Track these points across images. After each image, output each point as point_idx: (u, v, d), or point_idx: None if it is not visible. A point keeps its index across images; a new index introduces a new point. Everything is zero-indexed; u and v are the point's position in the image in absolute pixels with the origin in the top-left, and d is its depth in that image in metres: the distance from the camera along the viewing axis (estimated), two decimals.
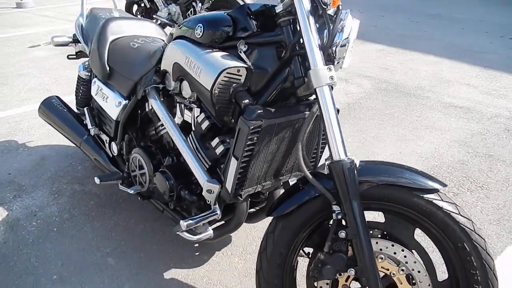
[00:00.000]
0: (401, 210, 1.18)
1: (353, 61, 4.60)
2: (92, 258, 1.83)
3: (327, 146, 1.18)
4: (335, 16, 1.18)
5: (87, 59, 2.37)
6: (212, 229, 1.46)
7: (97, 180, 1.73)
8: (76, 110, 2.23)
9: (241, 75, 1.25)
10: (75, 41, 2.15)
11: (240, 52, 1.25)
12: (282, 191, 1.52)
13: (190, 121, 1.52)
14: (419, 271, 1.17)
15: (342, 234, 1.15)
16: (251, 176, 1.31)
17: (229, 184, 1.28)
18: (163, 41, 1.99)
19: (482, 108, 3.39)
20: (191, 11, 4.93)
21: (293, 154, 1.39)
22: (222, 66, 1.23)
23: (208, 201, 1.41)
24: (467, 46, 5.09)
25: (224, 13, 1.34)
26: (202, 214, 1.38)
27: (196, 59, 1.31)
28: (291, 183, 1.50)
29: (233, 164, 1.25)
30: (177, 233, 1.43)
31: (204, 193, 1.38)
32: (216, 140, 1.39)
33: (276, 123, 1.25)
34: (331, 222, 1.24)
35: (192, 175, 1.52)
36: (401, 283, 1.18)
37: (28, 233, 1.98)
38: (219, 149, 1.38)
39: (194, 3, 4.84)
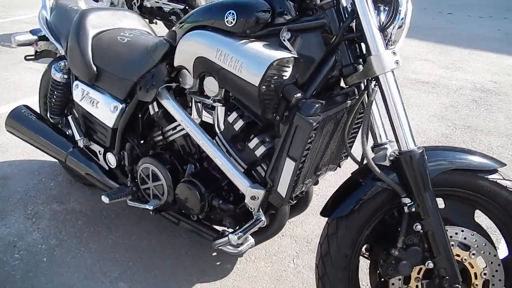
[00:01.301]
0: (463, 194, 1.15)
1: None
2: (101, 286, 1.61)
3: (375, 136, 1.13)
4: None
5: (49, 59, 2.07)
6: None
7: (105, 199, 1.50)
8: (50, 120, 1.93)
9: (288, 67, 1.12)
10: (42, 38, 1.84)
11: (284, 41, 1.12)
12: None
13: (211, 122, 1.36)
14: (489, 253, 1.14)
15: (418, 227, 1.09)
16: (302, 176, 1.20)
17: (282, 188, 1.16)
18: (149, 33, 1.77)
19: (446, 82, 3.54)
20: (137, 0, 4.57)
21: (330, 147, 1.29)
22: (270, 58, 1.09)
23: (251, 208, 1.27)
24: (412, 23, 5.29)
25: (259, 3, 1.19)
26: (249, 224, 1.25)
27: (232, 51, 1.15)
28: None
29: (289, 165, 1.12)
30: (219, 247, 1.28)
31: (247, 200, 1.24)
32: (255, 141, 1.24)
33: (328, 116, 1.14)
34: (392, 215, 1.18)
35: (222, 182, 1.37)
36: (472, 267, 1.15)
37: (13, 268, 1.69)
38: (260, 150, 1.24)
39: None
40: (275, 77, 1.11)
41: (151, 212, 1.58)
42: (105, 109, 1.58)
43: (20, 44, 1.80)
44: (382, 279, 1.21)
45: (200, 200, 1.33)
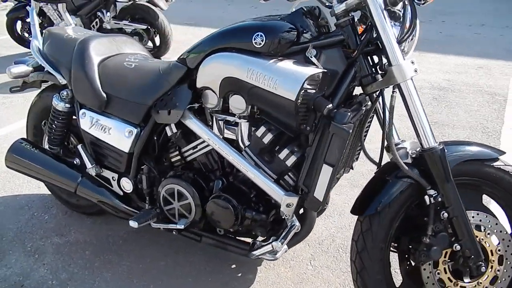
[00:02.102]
0: (472, 181, 1.30)
1: None
2: None
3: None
4: (403, 11, 1.22)
5: (36, 89, 2.02)
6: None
7: (134, 224, 1.50)
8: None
9: (317, 81, 1.23)
10: (36, 69, 1.80)
11: (311, 57, 1.24)
12: None
13: (233, 138, 1.43)
14: (500, 231, 1.30)
15: (445, 215, 1.22)
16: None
17: (320, 193, 1.25)
18: (151, 57, 1.81)
19: None
20: (96, 22, 4.49)
21: (352, 150, 1.41)
22: (304, 74, 1.19)
23: (286, 216, 1.35)
24: None
25: (279, 19, 1.29)
26: (287, 230, 1.32)
27: (265, 71, 1.23)
28: None
29: (326, 171, 1.22)
30: (259, 256, 1.34)
31: (283, 208, 1.32)
32: (285, 152, 1.33)
33: (355, 122, 1.26)
34: (412, 207, 1.31)
35: (251, 194, 1.44)
36: (488, 246, 1.30)
37: None
38: (291, 160, 1.33)
39: (99, 13, 4.40)
40: (307, 91, 1.21)
41: (174, 232, 1.60)
42: (119, 135, 1.58)
43: (16, 76, 1.75)
44: (410, 267, 1.33)
45: (234, 214, 1.38)
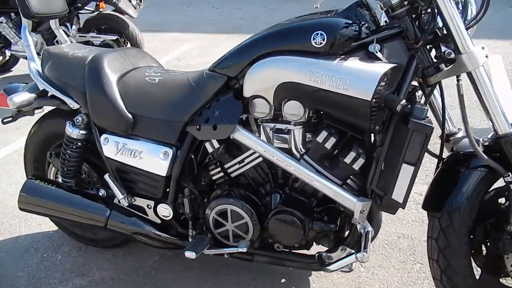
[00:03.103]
0: None
1: None
2: None
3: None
4: None
5: (30, 117, 1.80)
6: None
7: (191, 255, 1.35)
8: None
9: (388, 77, 1.15)
10: (40, 95, 1.59)
11: (376, 52, 1.15)
12: None
13: (286, 146, 1.33)
14: None
15: None
16: None
17: (399, 194, 1.17)
18: (167, 69, 1.65)
19: None
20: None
21: None
22: (378, 71, 1.11)
23: (359, 222, 1.26)
24: None
25: (335, 16, 1.21)
26: (364, 238, 1.24)
27: (332, 71, 1.14)
28: None
29: (407, 171, 1.14)
30: (340, 270, 1.26)
31: (356, 215, 1.24)
32: (351, 155, 1.24)
33: None
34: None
35: (312, 204, 1.35)
36: None
37: None
38: (359, 163, 1.24)
39: (62, 27, 4.08)
40: (381, 89, 1.13)
41: (226, 255, 1.48)
42: (152, 158, 1.42)
43: (19, 106, 1.53)
44: (488, 258, 1.29)
45: (301, 227, 1.28)
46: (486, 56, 1.14)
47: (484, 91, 1.15)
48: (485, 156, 1.16)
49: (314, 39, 1.17)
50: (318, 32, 1.17)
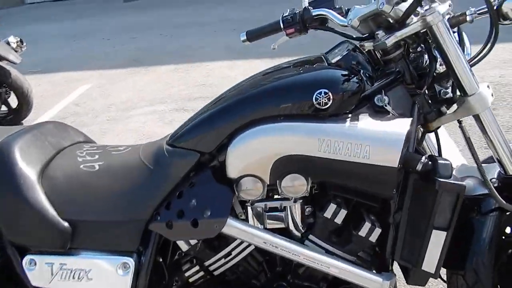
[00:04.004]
0: None
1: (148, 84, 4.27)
2: None
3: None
4: (457, 30, 1.07)
5: None
6: None
7: None
8: None
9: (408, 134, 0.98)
10: None
11: (386, 106, 0.99)
12: None
13: (282, 226, 1.09)
14: None
15: None
16: None
17: (431, 264, 1.02)
18: (100, 145, 1.27)
19: None
20: None
21: None
22: (402, 131, 0.95)
23: None
24: (241, 44, 5.57)
25: (333, 68, 1.01)
26: None
27: (345, 137, 0.95)
28: None
29: (438, 237, 1.00)
30: None
31: None
32: (366, 226, 1.05)
33: None
34: None
35: None
36: None
37: None
38: (375, 234, 1.06)
39: None
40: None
41: None
42: (108, 277, 1.04)
43: None
44: None
45: None
46: (492, 95, 1.05)
47: (492, 132, 1.06)
48: (504, 201, 1.06)
49: (317, 99, 0.95)
50: (321, 90, 0.95)
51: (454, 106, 1.09)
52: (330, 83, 0.97)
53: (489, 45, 1.01)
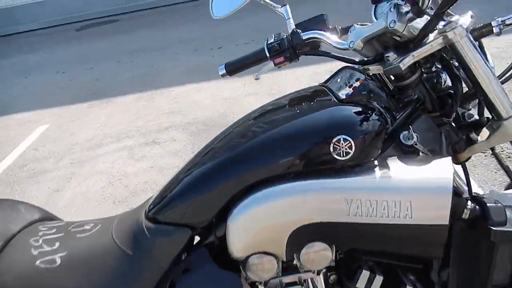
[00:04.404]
0: None
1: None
2: None
3: None
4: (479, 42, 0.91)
5: None
6: None
7: None
8: None
9: None
10: None
11: (416, 144, 0.81)
12: None
13: None
14: None
15: None
16: None
17: None
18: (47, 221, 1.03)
19: None
20: None
21: None
22: (448, 175, 0.76)
23: None
24: (206, 65, 5.36)
25: (346, 105, 0.82)
26: None
27: (380, 194, 0.77)
28: None
29: None
30: None
31: None
32: None
33: None
34: None
35: None
36: None
37: None
38: None
39: None
40: None
41: None
42: None
43: None
44: None
45: None
46: None
47: None
48: None
49: (335, 148, 0.76)
50: (339, 137, 0.76)
51: (483, 131, 0.93)
52: (348, 126, 0.79)
53: None
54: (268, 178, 0.80)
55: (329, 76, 1.01)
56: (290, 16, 1.01)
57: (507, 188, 1.09)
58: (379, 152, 0.82)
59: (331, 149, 0.79)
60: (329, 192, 0.78)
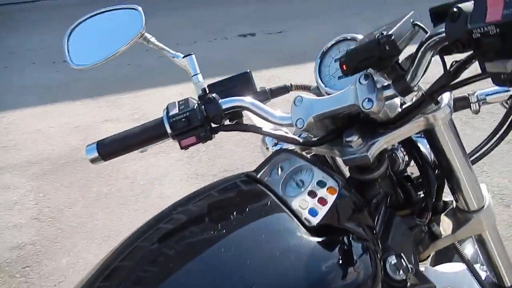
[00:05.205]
0: None
1: None
2: None
3: None
4: None
5: None
6: None
7: None
8: None
9: None
10: None
11: (408, 279, 0.63)
12: None
13: None
14: None
15: None
16: None
17: None
18: None
19: None
20: None
21: None
22: None
23: None
24: (54, 81, 4.45)
25: (332, 247, 0.56)
26: None
27: None
28: None
29: None
30: None
31: None
32: None
33: None
34: None
35: None
36: None
37: None
38: None
39: None
40: None
41: None
42: None
43: None
44: None
45: None
46: None
47: (495, 250, 0.81)
48: None
49: None
50: None
51: (442, 219, 0.77)
52: None
53: (496, 139, 0.72)
54: None
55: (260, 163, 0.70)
56: (198, 71, 0.71)
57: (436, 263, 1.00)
58: None
59: None
60: None
